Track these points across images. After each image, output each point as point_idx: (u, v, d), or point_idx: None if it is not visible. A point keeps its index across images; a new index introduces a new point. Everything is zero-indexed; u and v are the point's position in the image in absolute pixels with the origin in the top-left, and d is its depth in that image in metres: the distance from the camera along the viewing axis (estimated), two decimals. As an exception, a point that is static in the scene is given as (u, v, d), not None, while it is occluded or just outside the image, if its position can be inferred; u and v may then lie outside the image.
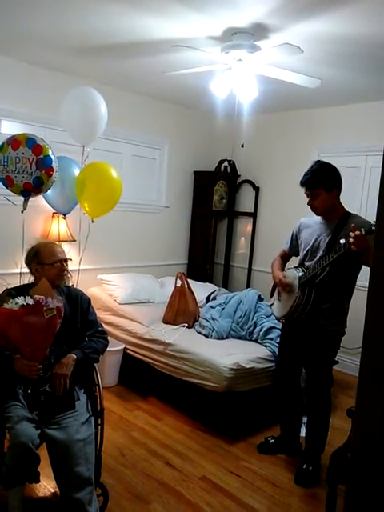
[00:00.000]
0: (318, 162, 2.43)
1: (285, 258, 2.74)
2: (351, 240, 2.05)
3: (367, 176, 3.97)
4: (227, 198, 5.00)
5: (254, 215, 4.88)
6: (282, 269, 2.68)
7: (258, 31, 2.59)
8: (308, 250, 2.48)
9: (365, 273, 2.26)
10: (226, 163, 4.85)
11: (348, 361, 3.93)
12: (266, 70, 2.82)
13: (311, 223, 2.53)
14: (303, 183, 2.40)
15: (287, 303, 2.50)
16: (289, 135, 4.57)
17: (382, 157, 0.78)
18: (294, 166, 4.42)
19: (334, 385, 3.59)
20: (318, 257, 2.40)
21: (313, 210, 2.45)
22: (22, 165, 2.63)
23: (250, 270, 4.92)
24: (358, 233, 2.03)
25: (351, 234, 2.06)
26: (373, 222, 2.07)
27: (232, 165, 4.89)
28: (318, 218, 2.49)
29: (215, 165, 4.80)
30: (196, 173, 4.94)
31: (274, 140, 4.68)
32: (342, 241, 2.17)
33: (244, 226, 5.07)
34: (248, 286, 4.81)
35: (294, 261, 2.68)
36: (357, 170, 4.02)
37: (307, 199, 2.43)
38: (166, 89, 4.04)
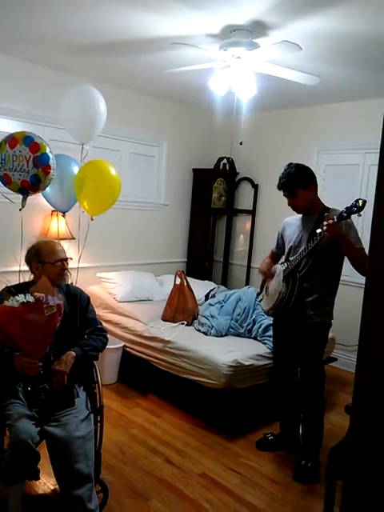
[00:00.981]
0: (290, 164, 2.53)
1: (274, 258, 2.83)
2: (324, 228, 2.23)
3: (366, 173, 3.97)
4: (226, 195, 5.00)
5: (252, 213, 4.88)
6: (270, 267, 2.75)
7: (257, 29, 2.59)
8: (291, 246, 2.59)
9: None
10: (224, 161, 4.85)
11: (347, 358, 3.94)
12: (265, 67, 2.82)
13: (293, 221, 2.66)
14: (280, 187, 2.53)
15: (273, 296, 2.58)
16: (287, 133, 4.57)
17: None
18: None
19: (333, 382, 3.60)
20: (300, 251, 2.50)
21: (295, 210, 2.58)
22: (18, 163, 2.64)
23: (249, 267, 4.92)
24: (330, 221, 2.21)
25: (324, 221, 2.24)
26: (344, 209, 2.22)
27: (231, 162, 4.89)
28: (300, 216, 2.62)
29: (214, 162, 4.80)
30: (195, 170, 4.94)
31: (273, 137, 4.68)
32: (319, 230, 2.33)
33: (243, 224, 5.07)
34: (247, 283, 4.81)
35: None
36: (355, 167, 4.03)
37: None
38: (164, 86, 4.03)
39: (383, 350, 0.77)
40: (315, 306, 2.48)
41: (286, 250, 2.64)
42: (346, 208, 2.21)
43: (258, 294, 2.89)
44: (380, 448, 0.83)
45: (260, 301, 2.86)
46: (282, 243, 2.73)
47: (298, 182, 2.46)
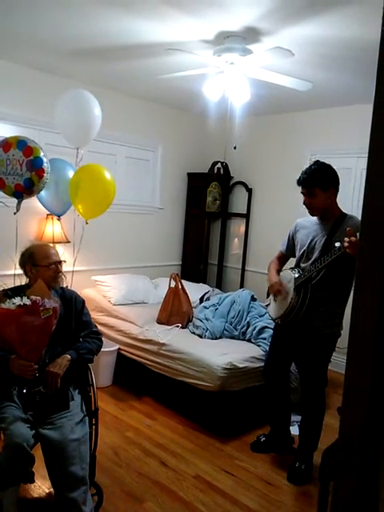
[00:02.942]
0: (317, 161, 2.40)
1: (282, 259, 2.73)
2: (346, 244, 2.02)
3: (358, 178, 4.01)
4: (220, 199, 5.03)
5: (247, 216, 4.91)
6: (279, 271, 2.67)
7: (250, 35, 2.62)
8: (304, 251, 2.47)
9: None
10: (219, 165, 4.88)
11: (339, 360, 3.96)
12: (258, 73, 2.85)
13: (307, 224, 2.52)
14: (300, 182, 2.38)
15: (283, 304, 2.51)
16: (281, 137, 4.61)
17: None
18: (286, 167, 4.47)
19: (327, 384, 3.61)
20: (313, 258, 2.40)
21: (309, 210, 2.42)
22: (12, 166, 2.65)
23: (243, 270, 4.95)
24: (353, 239, 1.99)
25: (346, 238, 2.03)
26: None
27: (225, 166, 4.92)
28: (314, 219, 2.48)
29: (208, 166, 4.82)
30: (189, 174, 4.96)
31: (267, 142, 4.72)
32: (337, 244, 2.16)
33: (237, 227, 5.10)
34: (241, 286, 4.83)
35: (292, 262, 2.67)
36: (348, 171, 4.06)
37: (302, 199, 2.42)
38: (159, 91, 4.06)
39: (372, 350, 0.79)
40: (325, 317, 2.40)
41: (298, 254, 2.53)
42: None
43: (268, 294, 2.71)
44: (370, 449, 0.85)
45: (266, 305, 2.81)
46: (292, 245, 2.61)
47: (319, 182, 2.31)
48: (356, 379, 0.83)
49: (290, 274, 2.49)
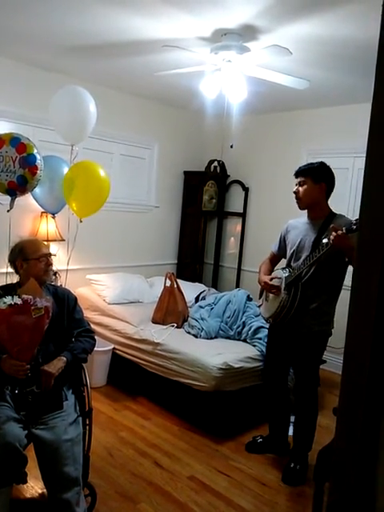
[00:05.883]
0: (321, 162, 2.48)
1: (273, 260, 2.76)
2: (332, 239, 2.13)
3: (355, 177, 4.01)
4: (217, 198, 5.01)
5: (243, 215, 4.90)
6: (271, 271, 2.70)
7: (248, 32, 2.60)
8: (294, 251, 2.51)
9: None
10: (215, 163, 4.86)
11: (336, 360, 3.96)
12: (255, 71, 2.83)
13: (298, 225, 2.56)
14: (296, 171, 2.48)
15: (274, 303, 2.52)
16: (278, 136, 4.60)
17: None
18: (283, 166, 4.45)
19: (322, 384, 3.61)
20: (303, 257, 2.43)
21: (297, 201, 2.47)
22: (5, 163, 2.63)
23: (239, 270, 4.94)
24: (339, 232, 2.10)
25: (333, 233, 2.13)
26: (354, 221, 2.12)
27: (221, 165, 4.90)
28: (304, 219, 2.53)
29: (205, 165, 4.81)
30: (186, 173, 4.94)
31: (263, 141, 4.71)
32: (325, 240, 2.24)
33: (233, 226, 5.09)
34: (237, 285, 4.82)
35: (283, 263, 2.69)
36: (345, 171, 4.06)
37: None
38: (156, 89, 4.03)
39: (369, 351, 0.78)
40: (315, 314, 2.42)
41: (288, 254, 2.57)
42: (356, 220, 2.09)
43: (261, 294, 2.75)
44: (366, 450, 0.83)
45: (259, 306, 2.83)
46: (284, 245, 2.65)
47: (312, 173, 2.41)
48: (352, 380, 0.82)
49: (280, 274, 2.53)
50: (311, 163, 2.48)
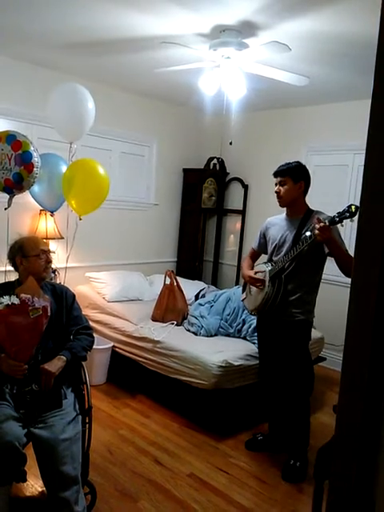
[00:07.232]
0: (297, 161, 2.60)
1: (253, 256, 2.85)
2: (316, 231, 2.22)
3: (355, 174, 4.00)
4: (216, 195, 5.00)
5: (242, 213, 4.89)
6: (252, 267, 2.77)
7: (246, 29, 2.59)
8: (275, 245, 2.60)
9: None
10: (214, 161, 4.85)
11: (336, 357, 3.96)
12: (255, 67, 2.82)
13: (277, 221, 2.68)
14: (275, 172, 2.58)
15: (258, 296, 2.59)
16: (277, 133, 4.58)
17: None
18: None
19: (322, 381, 3.62)
20: (284, 251, 2.52)
21: (278, 199, 2.58)
22: (1, 161, 2.62)
23: (238, 267, 4.93)
24: (322, 224, 2.20)
25: (316, 225, 2.22)
26: (336, 214, 2.22)
27: (221, 162, 4.89)
28: (283, 216, 2.65)
29: (204, 162, 4.80)
30: (185, 170, 4.93)
31: (263, 138, 4.69)
32: (308, 233, 2.34)
33: (233, 224, 5.08)
34: (237, 283, 4.82)
35: (263, 258, 2.77)
36: (345, 168, 4.05)
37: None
38: (154, 86, 4.02)
39: (368, 349, 0.78)
40: (298, 304, 2.51)
41: (270, 249, 2.66)
42: (338, 213, 2.19)
43: (244, 288, 2.87)
44: (366, 448, 0.83)
45: (243, 300, 2.87)
46: (264, 242, 2.75)
47: (291, 173, 2.51)
48: (352, 377, 0.82)
49: (263, 268, 2.63)
50: (288, 163, 2.56)
